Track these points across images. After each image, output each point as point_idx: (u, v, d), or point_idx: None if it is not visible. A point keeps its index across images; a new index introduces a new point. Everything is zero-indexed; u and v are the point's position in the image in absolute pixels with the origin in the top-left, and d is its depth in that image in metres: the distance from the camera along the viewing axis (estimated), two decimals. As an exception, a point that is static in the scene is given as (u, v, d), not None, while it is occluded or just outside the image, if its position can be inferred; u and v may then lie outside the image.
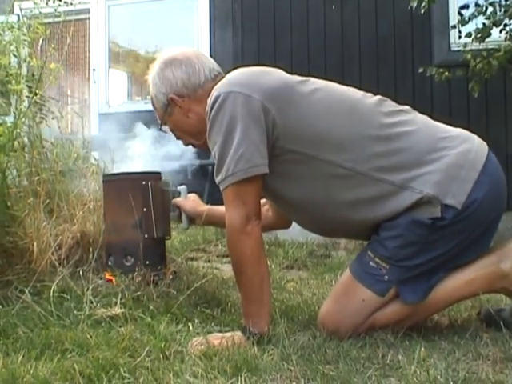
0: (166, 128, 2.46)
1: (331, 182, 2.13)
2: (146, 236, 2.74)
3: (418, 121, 2.21)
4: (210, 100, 2.15)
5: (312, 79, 2.25)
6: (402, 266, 2.08)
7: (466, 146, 2.13)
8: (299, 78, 2.23)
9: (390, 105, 2.24)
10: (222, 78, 2.29)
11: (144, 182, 2.74)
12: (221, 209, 2.36)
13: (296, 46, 6.94)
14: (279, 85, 2.16)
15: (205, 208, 2.72)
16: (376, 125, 2.15)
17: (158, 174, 2.86)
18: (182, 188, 2.79)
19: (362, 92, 2.28)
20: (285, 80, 2.21)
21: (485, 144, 2.20)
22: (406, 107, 2.26)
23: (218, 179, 2.11)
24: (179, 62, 2.34)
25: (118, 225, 2.79)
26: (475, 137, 2.21)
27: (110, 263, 2.76)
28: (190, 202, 2.75)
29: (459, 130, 2.22)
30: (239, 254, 2.09)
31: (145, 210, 2.73)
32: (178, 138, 2.48)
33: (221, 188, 2.10)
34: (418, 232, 2.06)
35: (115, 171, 3.05)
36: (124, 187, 2.78)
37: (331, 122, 2.14)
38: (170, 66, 2.34)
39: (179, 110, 2.35)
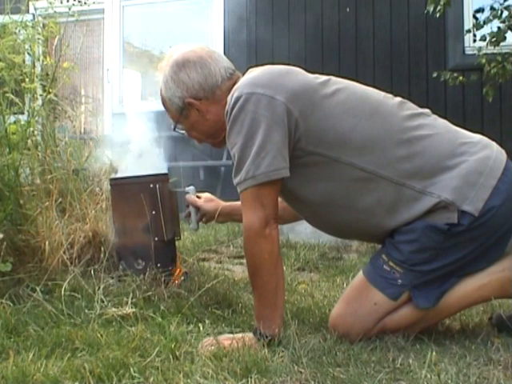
0: (179, 128, 2.39)
1: (352, 185, 2.11)
2: (156, 239, 2.73)
3: (439, 125, 2.19)
4: (230, 99, 2.11)
5: (333, 78, 2.22)
6: (417, 270, 2.07)
7: (485, 153, 2.10)
8: (321, 79, 2.20)
9: (411, 107, 2.22)
10: (238, 76, 2.27)
11: (152, 185, 2.72)
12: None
13: (310, 47, 6.94)
14: (302, 86, 2.13)
15: (225, 204, 2.68)
16: (398, 127, 2.12)
17: (166, 175, 2.83)
18: (191, 188, 2.74)
19: (382, 93, 2.26)
20: (307, 81, 2.17)
21: (503, 152, 2.17)
22: (427, 110, 2.23)
23: (236, 180, 2.07)
24: (193, 64, 2.26)
25: (127, 229, 2.78)
26: (495, 144, 2.19)
27: (121, 267, 2.76)
28: (209, 201, 2.71)
29: (479, 136, 2.20)
30: (256, 257, 2.06)
31: (154, 212, 2.72)
32: (190, 137, 2.43)
33: (239, 189, 2.07)
34: (433, 237, 2.04)
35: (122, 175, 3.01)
36: (132, 190, 2.76)
37: (353, 124, 2.11)
38: (183, 67, 2.26)
39: (196, 113, 2.28)
